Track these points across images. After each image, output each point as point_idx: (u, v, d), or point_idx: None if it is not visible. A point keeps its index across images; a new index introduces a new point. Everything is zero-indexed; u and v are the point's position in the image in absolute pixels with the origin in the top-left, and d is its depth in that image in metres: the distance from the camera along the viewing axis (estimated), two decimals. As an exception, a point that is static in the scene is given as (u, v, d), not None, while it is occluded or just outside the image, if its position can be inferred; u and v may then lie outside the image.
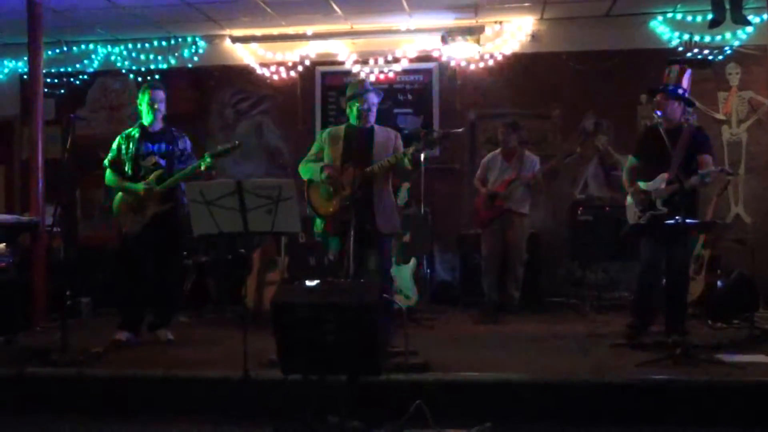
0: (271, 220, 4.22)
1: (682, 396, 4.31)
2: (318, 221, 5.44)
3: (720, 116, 7.97)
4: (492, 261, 7.04)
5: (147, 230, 5.65)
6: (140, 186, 5.62)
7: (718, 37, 7.75)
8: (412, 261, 6.96)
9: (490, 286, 7.04)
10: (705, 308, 6.48)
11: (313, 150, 5.54)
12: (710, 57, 7.83)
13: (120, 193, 5.79)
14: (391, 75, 8.42)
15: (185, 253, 6.84)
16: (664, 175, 5.39)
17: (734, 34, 7.74)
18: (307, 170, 5.49)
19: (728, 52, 7.85)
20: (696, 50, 7.81)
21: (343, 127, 5.49)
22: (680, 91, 5.50)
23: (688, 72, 5.58)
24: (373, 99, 5.41)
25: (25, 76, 8.42)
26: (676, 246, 5.48)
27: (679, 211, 5.16)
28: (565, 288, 7.79)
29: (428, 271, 7.78)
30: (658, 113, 5.53)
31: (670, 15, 7.94)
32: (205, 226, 4.31)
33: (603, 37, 8.05)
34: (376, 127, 5.46)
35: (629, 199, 5.72)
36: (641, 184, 5.57)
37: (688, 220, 5.05)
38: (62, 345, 5.15)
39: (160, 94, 5.77)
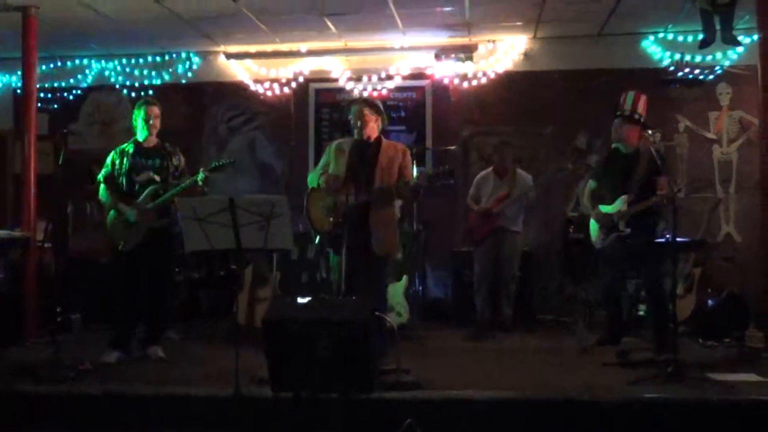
0: (263, 237, 4.21)
1: (673, 414, 4.32)
2: (317, 238, 5.41)
3: (711, 135, 8.03)
4: (484, 278, 7.05)
5: (141, 246, 5.63)
6: (130, 215, 5.61)
7: (709, 57, 7.81)
8: (404, 278, 6.95)
9: (482, 304, 7.04)
10: (696, 326, 6.51)
11: (321, 162, 5.50)
12: (701, 77, 7.89)
13: (113, 210, 5.77)
14: (384, 92, 8.45)
15: (177, 269, 6.82)
16: (625, 197, 5.70)
17: (725, 54, 7.81)
18: (312, 178, 5.48)
19: (719, 71, 7.92)
20: (687, 70, 7.87)
21: (351, 140, 5.37)
22: (636, 116, 5.78)
23: (643, 97, 5.82)
24: (361, 111, 5.27)
25: (18, 91, 8.44)
26: (649, 265, 5.71)
27: (642, 231, 5.53)
28: (557, 305, 7.78)
29: (420, 288, 7.77)
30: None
31: (661, 35, 8.01)
32: (197, 242, 4.30)
33: (595, 56, 8.12)
34: (384, 141, 5.37)
35: (593, 223, 6.03)
36: (602, 208, 5.88)
37: (678, 239, 5.10)
38: (52, 361, 5.12)
39: (156, 110, 5.78)
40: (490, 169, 7.27)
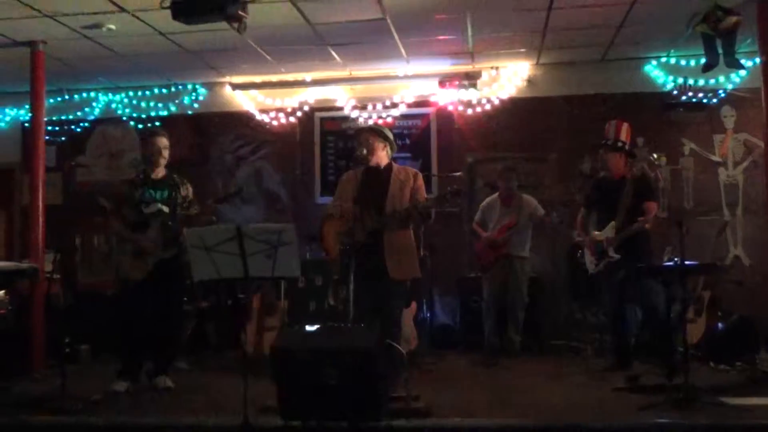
0: (271, 265, 4.22)
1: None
2: (334, 267, 5.41)
3: (716, 158, 8.04)
4: (492, 305, 7.03)
5: (150, 277, 5.64)
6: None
7: (712, 81, 7.85)
8: (412, 305, 6.93)
9: (490, 330, 7.02)
10: (707, 350, 6.46)
11: (337, 193, 5.53)
12: (705, 100, 7.91)
13: (123, 240, 5.79)
14: (389, 120, 8.49)
15: (185, 298, 6.82)
16: (613, 224, 5.85)
17: (728, 78, 7.84)
18: (331, 209, 5.51)
19: (722, 95, 7.94)
20: (690, 94, 7.89)
21: (362, 168, 5.39)
22: (618, 144, 6.03)
23: (625, 125, 6.09)
24: (368, 139, 5.33)
25: (26, 124, 8.51)
26: (642, 290, 5.79)
27: (632, 256, 5.66)
28: (565, 330, 7.73)
29: (428, 314, 7.74)
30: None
31: (664, 59, 8.05)
32: (205, 271, 4.31)
33: (598, 81, 8.17)
34: (395, 167, 5.41)
35: (585, 247, 6.20)
36: (594, 234, 6.05)
37: (687, 263, 5.08)
38: (61, 392, 5.11)
39: (165, 142, 5.84)
40: (496, 195, 7.29)
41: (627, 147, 6.08)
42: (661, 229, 6.54)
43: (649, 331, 6.09)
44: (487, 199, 7.38)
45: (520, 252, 7.07)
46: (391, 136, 5.45)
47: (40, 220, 6.96)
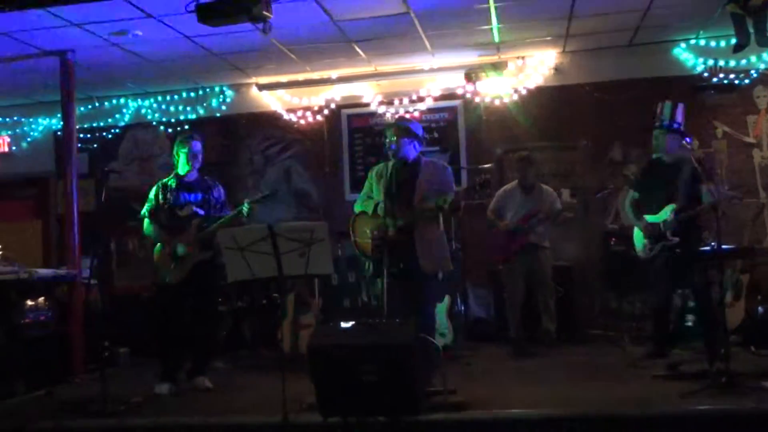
0: (304, 263, 4.24)
1: (729, 425, 4.22)
2: (367, 262, 5.41)
3: (750, 140, 7.90)
4: (516, 295, 6.96)
5: (187, 279, 5.70)
6: (181, 248, 5.68)
7: (743, 61, 7.72)
8: (446, 298, 6.92)
9: (514, 321, 6.96)
10: (747, 335, 6.37)
11: (365, 189, 5.53)
12: (736, 81, 7.80)
13: (159, 244, 5.86)
14: (416, 114, 8.48)
15: (221, 299, 6.88)
16: (672, 206, 5.64)
17: (759, 57, 7.69)
18: (357, 205, 5.51)
19: (754, 75, 7.81)
20: (722, 75, 7.79)
21: (391, 163, 5.35)
22: (675, 125, 5.80)
23: (681, 106, 5.85)
24: (397, 134, 5.29)
25: (59, 133, 8.65)
26: (694, 274, 5.63)
27: (689, 239, 5.47)
28: (601, 320, 7.66)
29: (462, 308, 7.73)
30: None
31: (693, 41, 7.93)
32: (239, 271, 4.34)
33: (627, 66, 8.06)
34: (423, 160, 5.39)
35: (637, 233, 5.94)
36: (648, 218, 5.80)
37: (724, 246, 5.02)
38: (102, 396, 5.18)
39: (198, 146, 5.89)
40: (515, 183, 7.21)
41: (682, 128, 5.85)
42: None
43: (697, 315, 5.97)
44: (505, 187, 7.27)
45: (542, 242, 7.02)
46: (419, 130, 5.43)
47: (76, 226, 7.06)
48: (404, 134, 5.30)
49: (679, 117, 5.80)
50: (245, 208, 5.57)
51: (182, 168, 5.88)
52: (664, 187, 5.75)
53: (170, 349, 5.83)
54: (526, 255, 6.95)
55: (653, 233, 5.75)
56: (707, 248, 5.46)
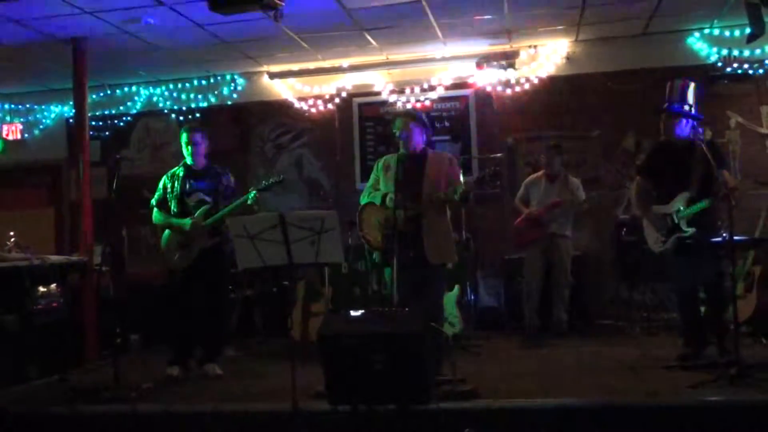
0: (314, 252, 4.24)
1: (739, 417, 4.21)
2: (375, 253, 5.41)
3: (764, 130, 7.83)
4: (535, 284, 6.98)
5: (195, 265, 5.75)
6: (187, 221, 5.73)
7: (758, 51, 7.66)
8: (456, 288, 6.92)
9: (532, 311, 6.97)
10: (758, 326, 6.33)
11: (371, 181, 5.50)
12: (750, 71, 7.74)
13: (167, 231, 5.90)
14: (427, 103, 8.46)
15: (231, 287, 6.91)
16: (686, 195, 5.28)
17: (774, 47, 7.65)
18: (363, 196, 5.49)
19: (769, 65, 7.75)
20: (735, 65, 7.73)
21: (396, 155, 5.35)
22: (686, 108, 5.38)
23: (692, 85, 5.46)
24: (406, 124, 5.25)
25: (71, 120, 8.69)
26: (709, 265, 5.35)
27: (705, 229, 5.12)
28: (612, 310, 7.65)
29: (472, 297, 7.73)
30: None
31: (707, 31, 7.87)
32: (249, 259, 4.35)
33: (640, 55, 8.01)
34: (430, 152, 5.35)
35: (646, 224, 5.60)
36: (658, 208, 5.45)
37: (736, 238, 4.95)
38: (114, 382, 5.23)
39: (196, 137, 5.90)
40: (541, 173, 7.21)
41: (693, 110, 5.41)
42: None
43: (709, 307, 5.50)
44: (531, 176, 7.30)
45: (563, 231, 7.01)
46: (426, 120, 5.40)
47: (88, 214, 7.11)
48: (414, 124, 5.28)
49: (690, 98, 5.40)
50: (251, 196, 5.58)
51: (187, 158, 5.92)
52: (675, 174, 5.34)
53: (181, 334, 5.87)
54: (547, 244, 6.95)
55: (664, 225, 5.37)
56: (719, 238, 5.36)
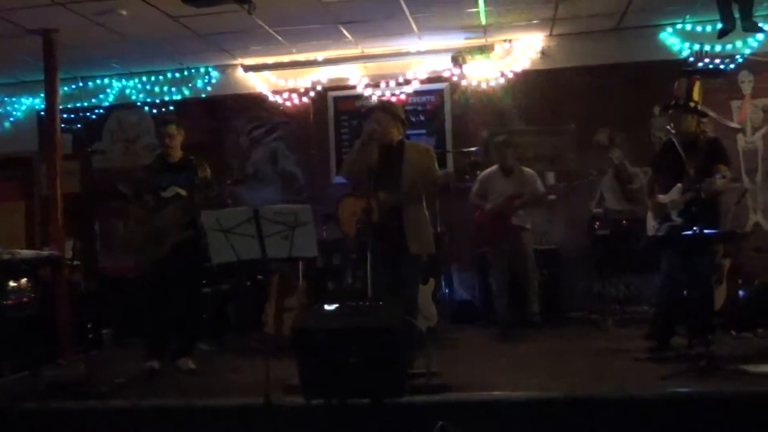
0: (288, 246, 4.23)
1: (709, 408, 4.26)
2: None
3: (734, 125, 7.93)
4: (504, 279, 7.02)
5: (168, 259, 5.70)
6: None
7: (729, 46, 7.73)
8: (431, 281, 6.93)
9: (503, 306, 7.01)
10: (728, 318, 6.42)
11: (350, 162, 5.42)
12: (722, 66, 7.82)
13: (140, 224, 5.84)
14: (402, 97, 8.46)
15: (205, 281, 6.87)
16: (679, 186, 5.47)
17: (745, 43, 7.72)
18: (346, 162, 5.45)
19: (740, 60, 7.82)
20: (707, 60, 7.80)
21: (376, 146, 5.27)
22: (692, 104, 5.59)
23: (698, 83, 5.66)
24: (380, 117, 5.23)
25: (42, 113, 8.57)
26: (697, 257, 5.47)
27: (696, 221, 5.16)
28: (585, 303, 7.71)
29: (447, 290, 7.75)
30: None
31: (679, 26, 7.94)
32: (223, 254, 4.33)
33: (613, 50, 8.06)
34: (407, 143, 5.35)
35: (649, 212, 5.80)
36: (659, 197, 5.66)
37: (706, 231, 5.02)
38: (86, 377, 5.19)
39: (170, 130, 5.89)
40: (496, 167, 7.23)
41: (699, 107, 5.66)
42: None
43: (691, 297, 5.53)
44: (487, 171, 7.27)
45: (525, 224, 7.10)
46: (402, 113, 5.40)
47: (59, 207, 7.02)
48: (389, 117, 5.26)
49: (695, 95, 5.62)
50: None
51: (163, 150, 5.88)
52: (675, 167, 5.54)
53: (156, 328, 5.83)
54: (511, 237, 6.99)
55: (660, 213, 5.63)
56: (689, 232, 5.43)
